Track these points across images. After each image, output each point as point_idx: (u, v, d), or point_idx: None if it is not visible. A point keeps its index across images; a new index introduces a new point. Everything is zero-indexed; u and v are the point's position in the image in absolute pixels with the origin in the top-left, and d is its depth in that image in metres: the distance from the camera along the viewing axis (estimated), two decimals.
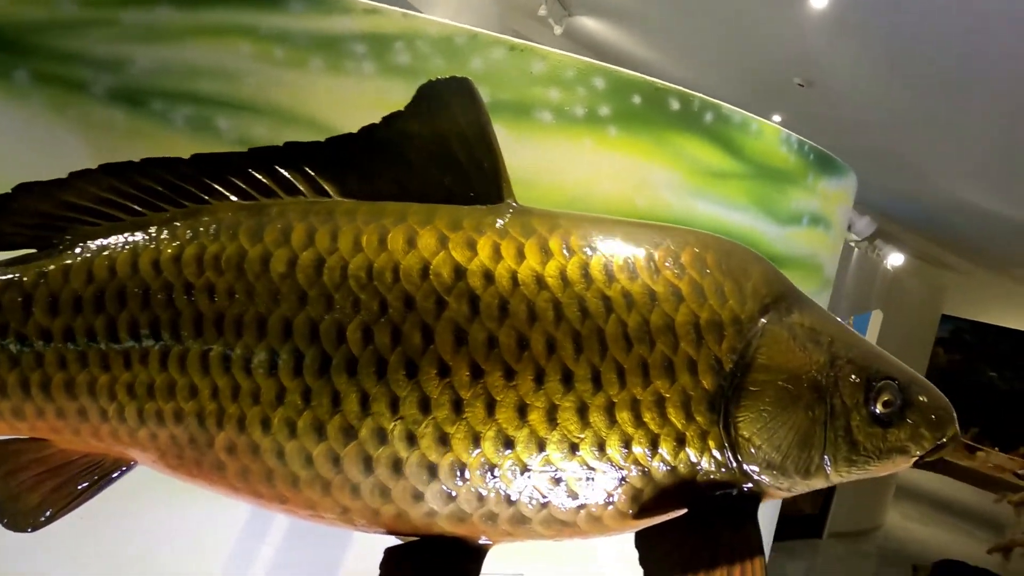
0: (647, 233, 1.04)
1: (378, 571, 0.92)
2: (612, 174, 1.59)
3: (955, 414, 1.04)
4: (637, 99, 1.55)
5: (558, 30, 7.04)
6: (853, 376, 0.99)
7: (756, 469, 0.96)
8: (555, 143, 1.52)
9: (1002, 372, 14.63)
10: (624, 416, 0.92)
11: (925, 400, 1.01)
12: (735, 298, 0.99)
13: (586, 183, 1.56)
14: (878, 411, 0.98)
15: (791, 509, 8.50)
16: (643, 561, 0.95)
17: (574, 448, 0.90)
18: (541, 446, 0.90)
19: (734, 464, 0.96)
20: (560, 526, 0.95)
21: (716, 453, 0.95)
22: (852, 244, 7.42)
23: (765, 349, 0.97)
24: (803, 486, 1.00)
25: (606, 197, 1.56)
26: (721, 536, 0.95)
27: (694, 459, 0.94)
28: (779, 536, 8.39)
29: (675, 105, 1.60)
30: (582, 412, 0.91)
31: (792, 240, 1.94)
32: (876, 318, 8.96)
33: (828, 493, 8.79)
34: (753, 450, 0.95)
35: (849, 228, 7.51)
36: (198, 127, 1.31)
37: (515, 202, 1.02)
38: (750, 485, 0.98)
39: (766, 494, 1.01)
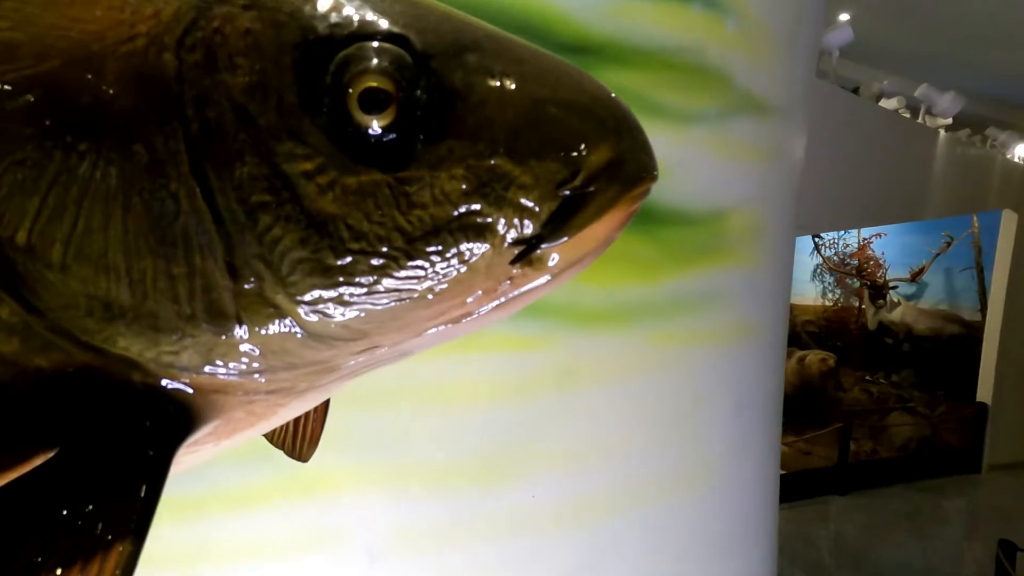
0: None
1: None
2: None
3: (625, 121, 0.52)
4: None
5: None
6: (261, 36, 0.48)
7: (102, 327, 0.49)
8: None
9: None
10: None
11: (504, 85, 0.50)
12: None
13: None
14: (363, 125, 0.47)
15: (938, 443, 7.67)
16: None
17: None
18: None
19: (34, 322, 0.49)
20: None
21: None
22: (941, 130, 6.47)
23: None
24: (248, 356, 0.52)
25: None
26: (69, 505, 0.47)
27: None
28: (927, 474, 7.66)
29: None
30: None
31: (620, 17, 1.36)
32: (1008, 220, 7.91)
33: (980, 420, 7.83)
34: (53, 274, 0.48)
35: (928, 110, 6.59)
36: None
37: None
38: (141, 375, 0.51)
39: (200, 396, 0.54)
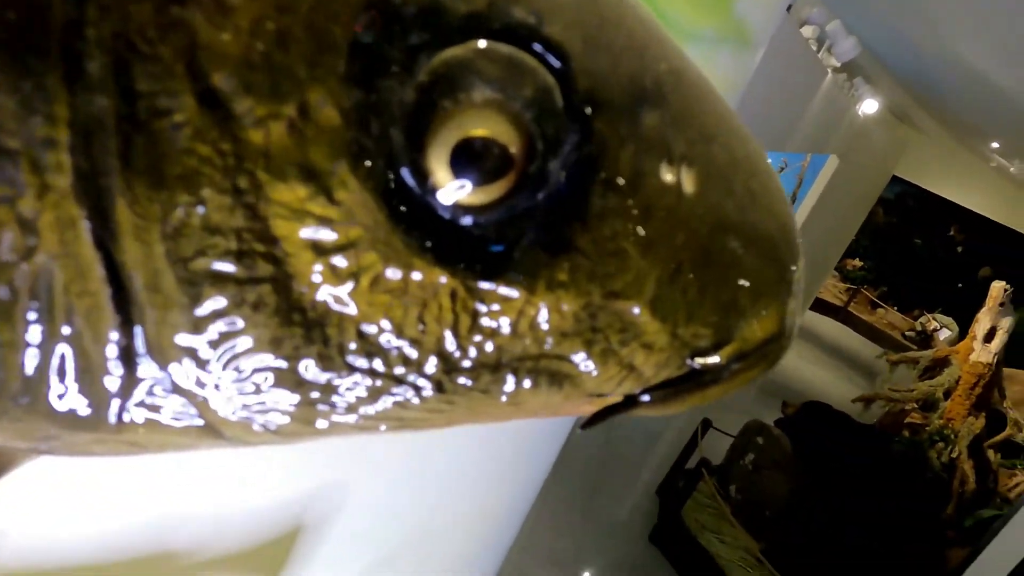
0: None
1: None
2: None
3: (798, 271, 0.35)
4: None
5: None
6: None
7: None
8: None
9: (928, 240, 14.90)
10: None
11: (683, 184, 0.29)
12: None
13: None
14: (445, 193, 0.24)
15: None
16: None
17: None
18: None
19: None
20: None
21: None
22: (829, 69, 6.73)
23: None
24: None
25: None
26: None
27: None
28: None
29: None
30: None
31: None
32: (831, 164, 8.71)
33: None
34: None
35: (829, 48, 6.81)
36: None
37: None
38: None
39: None
